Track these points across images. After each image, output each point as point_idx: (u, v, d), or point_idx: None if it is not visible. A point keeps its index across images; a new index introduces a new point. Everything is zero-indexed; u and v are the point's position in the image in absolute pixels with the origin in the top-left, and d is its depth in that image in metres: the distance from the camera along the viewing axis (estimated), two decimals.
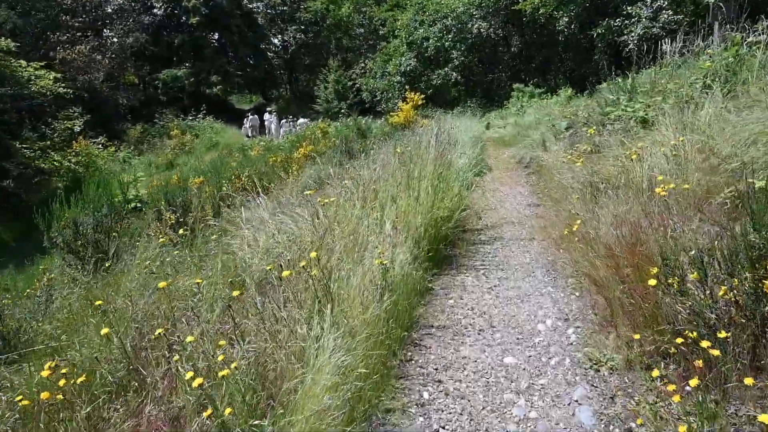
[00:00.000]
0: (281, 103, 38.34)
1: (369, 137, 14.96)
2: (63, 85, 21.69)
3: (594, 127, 6.94)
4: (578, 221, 4.50)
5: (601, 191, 5.42)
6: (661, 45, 7.79)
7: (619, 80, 7.71)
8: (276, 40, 40.28)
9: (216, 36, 34.21)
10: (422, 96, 14.59)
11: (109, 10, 30.76)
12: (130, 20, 29.82)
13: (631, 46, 16.03)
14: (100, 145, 22.67)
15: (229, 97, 44.43)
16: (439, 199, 5.21)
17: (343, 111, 32.28)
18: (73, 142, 21.34)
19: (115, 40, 29.64)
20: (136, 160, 25.59)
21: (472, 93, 25.14)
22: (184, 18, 32.54)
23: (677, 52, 8.18)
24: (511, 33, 23.69)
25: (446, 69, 24.15)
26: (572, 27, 18.49)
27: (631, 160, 5.35)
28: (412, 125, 13.92)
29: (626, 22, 16.21)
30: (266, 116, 31.28)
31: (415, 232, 4.62)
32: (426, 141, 7.06)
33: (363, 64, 34.49)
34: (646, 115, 6.52)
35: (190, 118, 29.75)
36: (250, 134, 29.83)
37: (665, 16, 14.98)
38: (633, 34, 15.79)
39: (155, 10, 31.46)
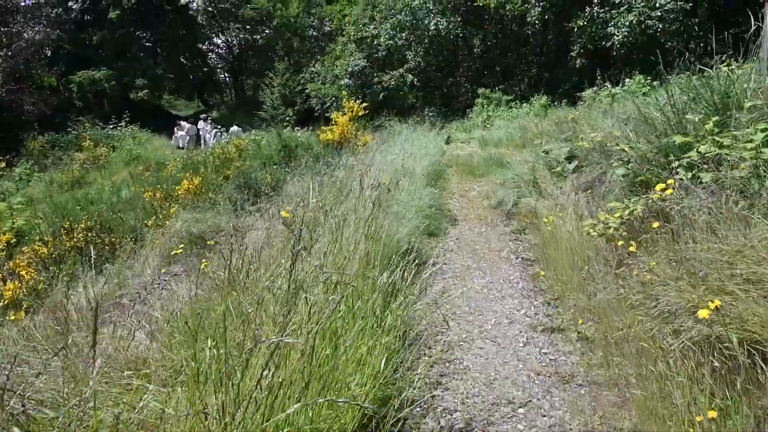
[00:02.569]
0: (223, 110, 34.02)
1: (298, 157, 11.20)
2: None
3: (667, 181, 3.35)
4: None
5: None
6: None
7: (695, 81, 4.15)
8: (219, 41, 35.88)
9: (147, 34, 29.63)
10: (365, 106, 10.91)
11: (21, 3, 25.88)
12: (39, 14, 25.06)
13: (619, 37, 12.78)
14: None
15: (175, 102, 39.76)
16: None
17: (288, 119, 28.38)
18: None
19: (24, 36, 24.82)
20: (36, 177, 21.03)
21: (431, 100, 21.59)
22: (110, 14, 27.87)
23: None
24: (473, 33, 20.27)
25: (401, 70, 20.54)
26: (546, 18, 15.10)
27: None
28: (350, 144, 10.21)
29: (613, 11, 12.94)
30: (200, 124, 27.04)
31: None
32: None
33: (313, 68, 30.57)
34: None
35: (111, 126, 25.19)
36: (181, 144, 25.53)
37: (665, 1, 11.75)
38: (621, 24, 12.53)
39: (71, 3, 26.70)
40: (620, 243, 3.36)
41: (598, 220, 3.94)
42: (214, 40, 35.63)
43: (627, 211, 3.79)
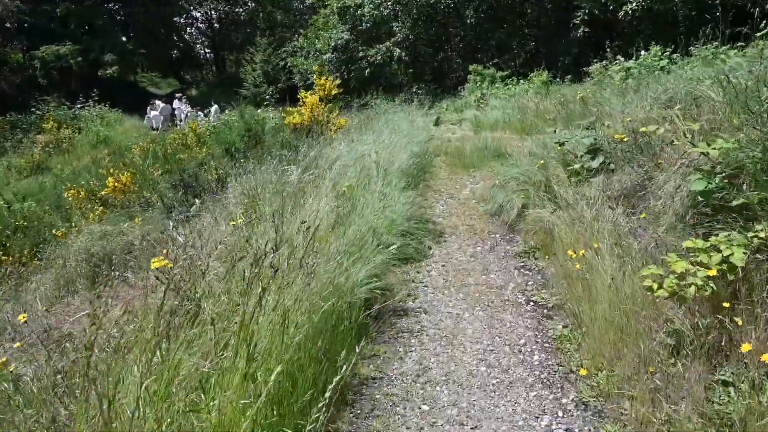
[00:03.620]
0: (203, 87, 31.98)
1: (264, 143, 9.59)
2: None
3: None
4: None
5: None
6: None
7: None
8: (197, 14, 33.57)
9: (117, 6, 27.39)
10: (342, 83, 9.20)
11: None
12: None
13: (632, 5, 11.12)
14: None
15: (156, 80, 37.41)
16: None
17: (269, 97, 26.46)
18: None
19: None
20: None
21: (420, 76, 19.84)
22: None
23: None
24: (465, 2, 18.42)
25: (387, 44, 18.73)
26: None
27: None
28: (322, 128, 8.58)
29: None
30: (176, 103, 25.17)
31: None
32: None
33: (296, 42, 28.52)
34: None
35: (78, 106, 23.24)
36: (155, 125, 23.65)
37: None
38: None
39: None
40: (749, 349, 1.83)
41: (665, 269, 2.43)
42: (193, 13, 33.33)
43: (718, 258, 2.28)
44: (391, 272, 3.84)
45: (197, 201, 5.79)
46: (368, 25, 18.67)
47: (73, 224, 5.93)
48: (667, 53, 10.15)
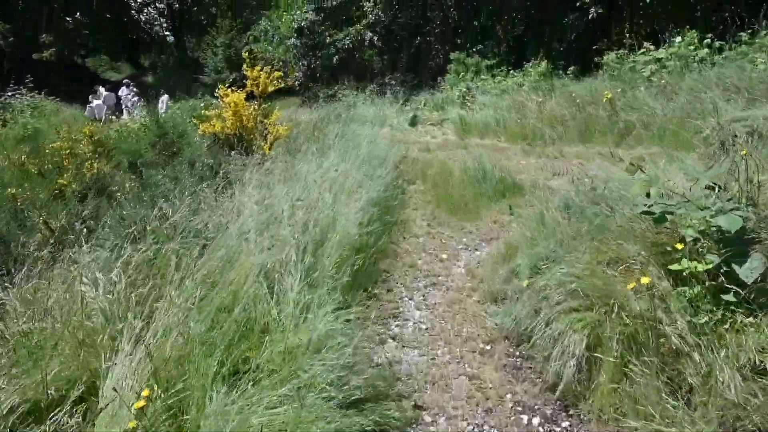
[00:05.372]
0: (160, 73, 28.59)
1: (182, 153, 6.87)
2: None
3: None
4: None
5: None
6: None
7: None
8: None
9: None
10: (278, 76, 6.42)
11: None
12: None
13: None
14: None
15: (117, 64, 33.71)
16: None
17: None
18: None
19: None
20: None
21: (394, 64, 17.14)
22: None
23: None
24: None
25: (358, 26, 15.99)
26: None
27: None
28: (251, 141, 5.94)
29: None
30: (122, 90, 21.94)
31: None
32: None
33: (261, 24, 25.39)
34: None
35: (9, 93, 19.89)
36: (97, 116, 20.45)
37: None
38: None
39: None
40: None
41: None
42: None
43: None
44: None
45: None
46: (334, 2, 15.84)
47: None
48: (707, 41, 7.69)
